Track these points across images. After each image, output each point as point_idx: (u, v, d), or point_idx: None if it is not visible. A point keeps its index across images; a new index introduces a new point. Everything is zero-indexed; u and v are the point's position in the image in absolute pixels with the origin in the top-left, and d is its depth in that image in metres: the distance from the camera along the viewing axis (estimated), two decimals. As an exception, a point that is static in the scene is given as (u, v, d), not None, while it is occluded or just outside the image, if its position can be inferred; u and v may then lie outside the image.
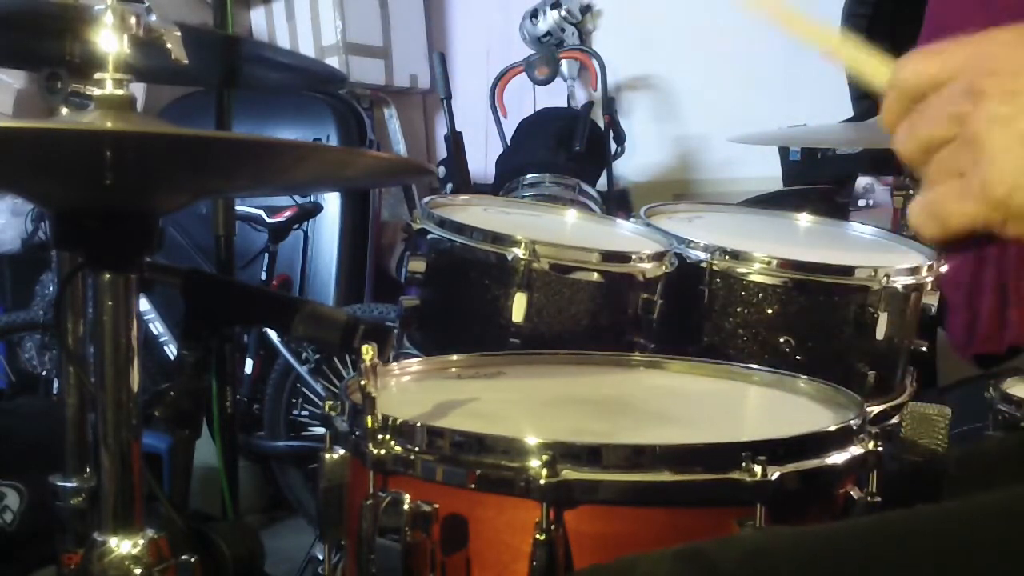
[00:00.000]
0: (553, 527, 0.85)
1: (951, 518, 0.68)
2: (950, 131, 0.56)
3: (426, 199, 1.61)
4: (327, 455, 1.00)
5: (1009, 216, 0.54)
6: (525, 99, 3.54)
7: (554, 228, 1.69)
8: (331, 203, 3.22)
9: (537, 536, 0.85)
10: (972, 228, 0.55)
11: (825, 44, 0.72)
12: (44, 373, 3.10)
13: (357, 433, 0.97)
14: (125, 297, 0.91)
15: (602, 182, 3.19)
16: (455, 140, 3.16)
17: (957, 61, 0.57)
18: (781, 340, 1.44)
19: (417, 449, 0.92)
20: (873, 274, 1.44)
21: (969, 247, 0.56)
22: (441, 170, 3.23)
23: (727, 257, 1.46)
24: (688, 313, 1.48)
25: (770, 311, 1.45)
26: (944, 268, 1.56)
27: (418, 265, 1.48)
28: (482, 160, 3.51)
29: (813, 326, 1.45)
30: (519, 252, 1.40)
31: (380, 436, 0.93)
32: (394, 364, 1.25)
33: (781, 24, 0.74)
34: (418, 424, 0.93)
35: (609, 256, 1.45)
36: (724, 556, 0.70)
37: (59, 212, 0.90)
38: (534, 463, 0.86)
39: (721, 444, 0.90)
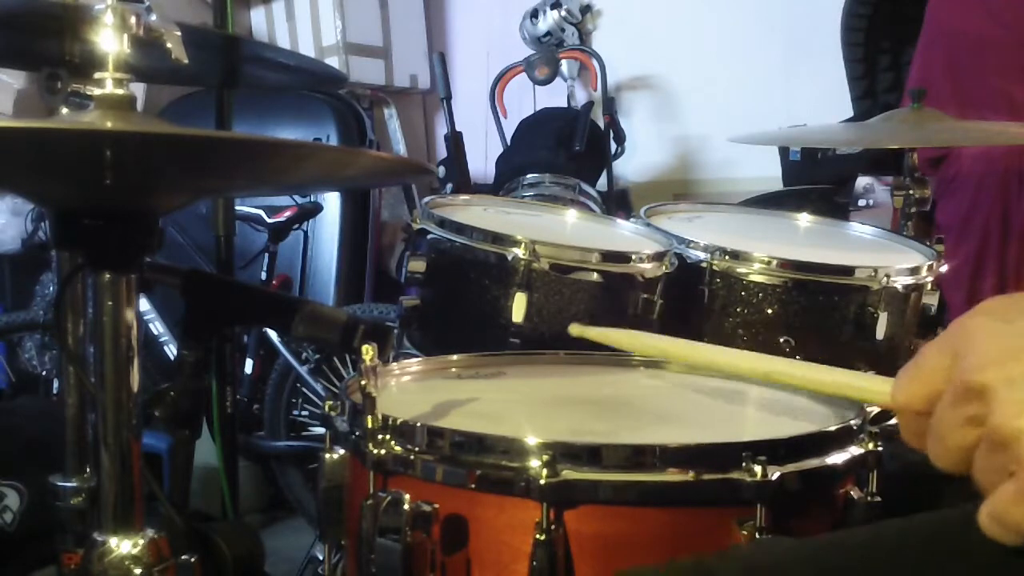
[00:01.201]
0: (553, 527, 0.85)
1: (948, 526, 0.68)
2: (972, 436, 0.54)
3: (426, 199, 1.61)
4: (327, 455, 1.00)
5: None
6: (525, 99, 3.54)
7: (554, 228, 1.69)
8: (331, 203, 3.22)
9: (537, 536, 0.85)
10: None
11: (819, 385, 0.75)
12: (44, 373, 3.10)
13: (357, 433, 0.97)
14: (125, 297, 0.91)
15: (602, 182, 3.19)
16: (455, 140, 3.16)
17: (941, 366, 0.57)
18: (781, 340, 1.44)
19: (417, 449, 0.92)
20: (873, 274, 1.44)
21: None
22: (441, 170, 3.23)
23: (727, 257, 1.46)
24: (688, 313, 1.48)
25: (770, 311, 1.45)
26: (944, 268, 1.56)
27: (418, 265, 1.48)
28: (482, 160, 3.51)
29: (813, 326, 1.45)
30: (519, 252, 1.40)
31: (380, 436, 0.93)
32: (394, 364, 1.25)
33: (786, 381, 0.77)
34: (418, 424, 0.93)
35: (609, 256, 1.45)
36: (725, 569, 0.70)
37: (59, 212, 0.90)
38: (534, 463, 0.86)
39: (721, 444, 0.90)
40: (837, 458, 0.93)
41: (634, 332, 1.11)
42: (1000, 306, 0.56)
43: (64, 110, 1.11)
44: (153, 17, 0.87)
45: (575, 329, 1.06)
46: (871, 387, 0.68)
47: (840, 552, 0.71)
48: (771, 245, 1.59)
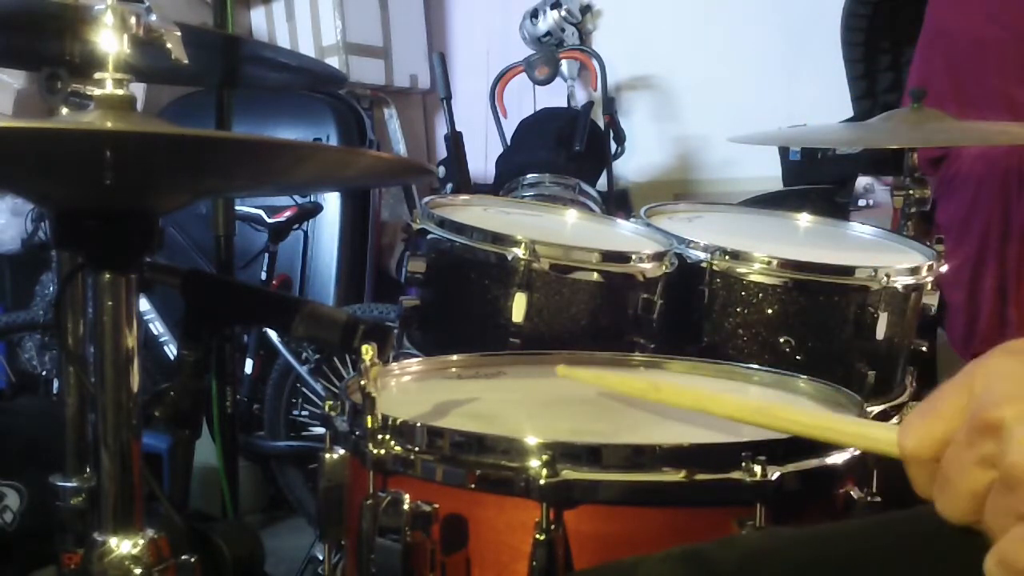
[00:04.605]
0: (553, 527, 0.85)
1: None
2: (985, 478, 0.51)
3: (426, 199, 1.61)
4: (327, 455, 1.00)
5: None
6: (525, 99, 3.54)
7: (554, 228, 1.69)
8: (331, 203, 3.22)
9: (537, 536, 0.85)
10: None
11: (828, 433, 0.70)
12: (44, 373, 3.10)
13: (357, 433, 0.97)
14: (125, 297, 0.91)
15: (602, 182, 3.19)
16: (455, 140, 3.16)
17: (953, 407, 0.53)
18: (781, 340, 1.44)
19: (417, 449, 0.92)
20: (873, 274, 1.44)
21: None
22: (441, 170, 3.22)
23: (727, 257, 1.46)
24: (688, 313, 1.48)
25: (770, 311, 1.45)
26: (944, 268, 1.56)
27: (418, 265, 1.48)
28: (482, 160, 3.51)
29: (813, 326, 1.45)
30: (519, 252, 1.40)
31: (380, 436, 0.93)
32: (394, 364, 1.25)
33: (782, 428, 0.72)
34: (418, 424, 0.93)
35: (609, 256, 1.45)
36: (724, 557, 0.71)
37: (59, 212, 0.90)
38: (534, 463, 0.86)
39: (721, 444, 0.90)
40: (837, 458, 0.93)
41: (624, 375, 1.09)
42: (1021, 346, 0.54)
43: (64, 110, 1.11)
44: (153, 17, 0.87)
45: (561, 371, 1.06)
46: (877, 435, 0.63)
47: (840, 541, 0.71)
48: (771, 245, 1.59)
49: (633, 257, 1.46)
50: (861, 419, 0.68)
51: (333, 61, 3.51)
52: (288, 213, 2.89)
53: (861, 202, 2.76)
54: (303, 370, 2.78)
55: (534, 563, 0.85)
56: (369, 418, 0.94)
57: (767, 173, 3.03)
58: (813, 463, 0.91)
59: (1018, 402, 0.50)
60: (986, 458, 0.51)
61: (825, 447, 0.93)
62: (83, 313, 1.32)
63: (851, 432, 0.67)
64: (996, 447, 0.50)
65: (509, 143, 3.27)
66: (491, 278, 1.42)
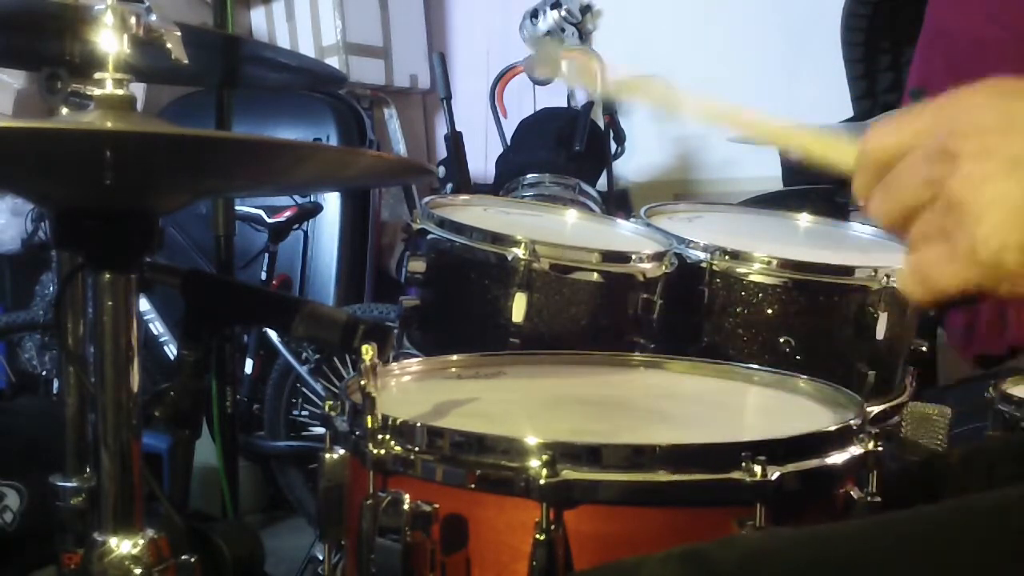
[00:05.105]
0: (553, 527, 0.85)
1: (950, 518, 0.68)
2: (926, 195, 0.56)
3: (426, 199, 1.61)
4: (327, 455, 1.00)
5: (1000, 276, 0.53)
6: (525, 99, 3.54)
7: (554, 228, 1.69)
8: (331, 203, 3.22)
9: (537, 536, 0.85)
10: (963, 290, 0.55)
11: (785, 141, 0.74)
12: (44, 373, 3.10)
13: (357, 433, 0.97)
14: (125, 297, 0.91)
15: (602, 182, 3.19)
16: (455, 140, 3.16)
17: (922, 126, 0.58)
18: (781, 340, 1.44)
19: (417, 449, 0.92)
20: (873, 274, 1.44)
21: (959, 305, 0.56)
22: (441, 170, 3.22)
23: (727, 257, 1.46)
24: (688, 313, 1.48)
25: (770, 311, 1.45)
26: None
27: (418, 265, 1.48)
28: (482, 160, 3.51)
29: (813, 326, 1.45)
30: (519, 252, 1.40)
31: (380, 436, 0.93)
32: (394, 364, 1.25)
33: (742, 131, 0.75)
34: (418, 424, 0.93)
35: (609, 256, 1.45)
36: (724, 557, 0.71)
37: (59, 212, 0.90)
38: (534, 463, 0.86)
39: (721, 444, 0.90)
40: (837, 458, 0.93)
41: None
42: (1002, 86, 0.59)
43: (64, 110, 1.11)
44: (153, 17, 0.87)
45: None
46: (840, 145, 0.68)
47: (840, 542, 0.71)
48: (771, 245, 1.59)
49: (633, 257, 1.46)
50: (831, 131, 0.71)
51: (333, 61, 3.51)
52: (288, 213, 2.89)
53: (861, 202, 2.76)
54: (303, 370, 2.78)
55: (534, 563, 0.85)
56: (369, 418, 0.94)
57: (767, 173, 3.03)
58: (813, 463, 0.91)
59: (980, 136, 0.55)
60: (933, 180, 0.56)
61: (825, 447, 0.93)
62: (83, 313, 1.32)
63: (819, 141, 0.73)
64: (946, 171, 0.55)
65: (509, 143, 3.26)
66: (491, 278, 1.42)
